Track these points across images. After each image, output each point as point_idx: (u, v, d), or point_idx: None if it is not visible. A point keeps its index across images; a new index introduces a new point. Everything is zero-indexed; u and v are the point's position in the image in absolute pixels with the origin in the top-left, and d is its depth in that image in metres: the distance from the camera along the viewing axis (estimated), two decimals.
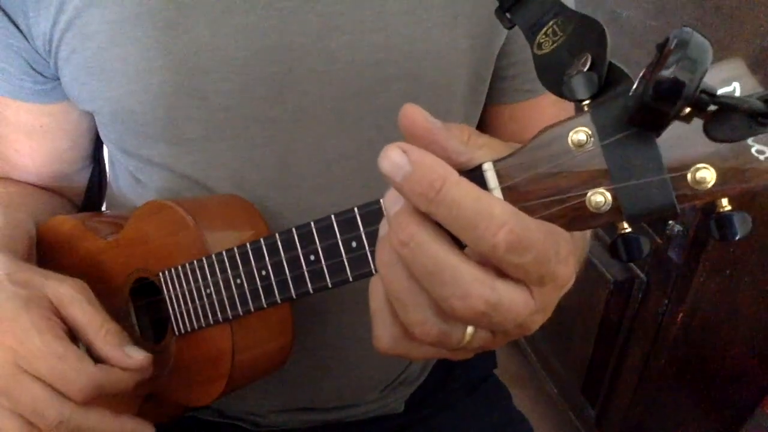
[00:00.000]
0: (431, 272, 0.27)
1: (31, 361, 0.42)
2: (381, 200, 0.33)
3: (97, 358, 0.45)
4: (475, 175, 0.28)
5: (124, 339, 0.46)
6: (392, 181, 0.26)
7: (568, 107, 0.62)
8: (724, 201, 0.26)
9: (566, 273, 0.28)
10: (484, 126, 0.65)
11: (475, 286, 0.26)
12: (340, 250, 0.37)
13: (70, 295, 0.45)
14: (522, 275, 0.27)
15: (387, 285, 0.29)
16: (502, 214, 0.26)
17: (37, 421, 0.41)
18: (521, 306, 0.27)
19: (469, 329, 0.29)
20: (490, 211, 0.26)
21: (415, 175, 0.26)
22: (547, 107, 0.62)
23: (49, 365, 0.42)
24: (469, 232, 0.26)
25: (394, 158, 0.26)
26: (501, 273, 0.27)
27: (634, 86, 0.25)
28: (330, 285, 0.39)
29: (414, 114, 0.28)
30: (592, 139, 0.27)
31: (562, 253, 0.27)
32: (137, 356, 0.46)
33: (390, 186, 0.32)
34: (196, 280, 0.48)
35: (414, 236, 0.27)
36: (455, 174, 0.26)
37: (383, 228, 0.30)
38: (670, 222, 0.94)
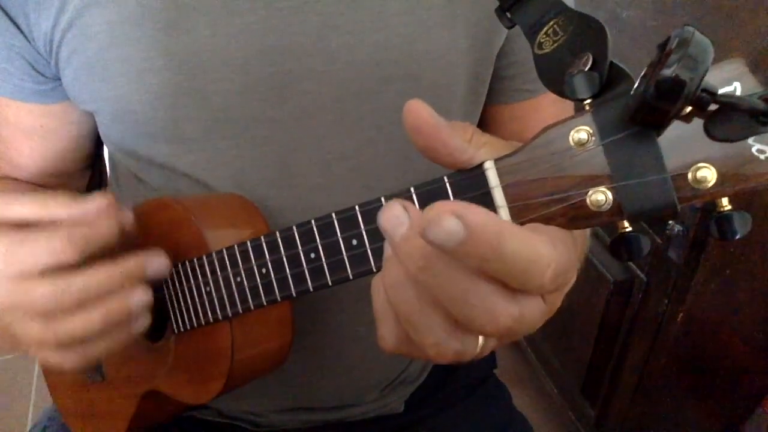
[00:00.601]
0: (455, 297, 0.26)
1: (14, 265, 0.40)
2: (382, 197, 0.33)
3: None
4: (476, 173, 0.29)
5: (67, 198, 0.43)
6: (443, 249, 0.24)
7: (569, 107, 0.62)
8: (724, 200, 0.26)
9: (573, 277, 0.28)
10: (484, 126, 0.65)
11: (502, 305, 0.26)
12: (341, 248, 0.37)
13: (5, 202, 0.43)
14: (545, 292, 0.27)
15: (396, 306, 0.28)
16: (550, 255, 0.25)
17: (55, 307, 0.40)
18: (538, 314, 0.27)
19: (481, 340, 0.28)
20: (539, 253, 0.25)
21: (473, 240, 0.23)
22: (548, 107, 0.62)
23: (29, 256, 0.40)
24: (520, 278, 0.25)
25: (449, 227, 0.23)
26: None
27: (636, 85, 0.25)
28: (330, 283, 0.39)
29: (419, 110, 0.28)
30: (593, 138, 0.27)
31: (573, 259, 0.27)
32: (94, 201, 0.43)
33: (380, 193, 0.31)
34: (195, 278, 0.48)
35: (433, 262, 0.25)
36: (507, 224, 0.24)
37: (387, 249, 0.28)
38: (670, 222, 0.94)
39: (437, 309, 0.27)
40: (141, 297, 0.43)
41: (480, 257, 0.24)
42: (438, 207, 0.24)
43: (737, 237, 0.26)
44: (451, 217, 0.23)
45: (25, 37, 0.52)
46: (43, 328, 0.40)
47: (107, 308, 0.41)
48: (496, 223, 0.24)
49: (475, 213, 0.23)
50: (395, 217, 0.26)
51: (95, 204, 0.42)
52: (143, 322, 0.44)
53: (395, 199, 0.26)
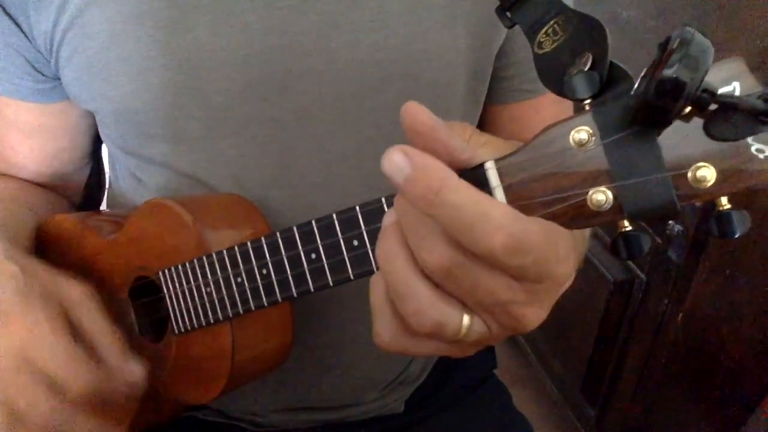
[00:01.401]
0: (411, 225, 0.28)
1: (39, 354, 0.41)
2: (382, 198, 0.34)
3: (96, 363, 0.45)
4: (476, 173, 0.29)
5: (128, 351, 0.46)
6: (394, 183, 0.27)
7: (568, 107, 0.62)
8: (724, 199, 0.26)
9: (565, 272, 0.28)
10: (483, 126, 0.65)
11: (442, 242, 0.27)
12: (342, 249, 0.37)
13: (81, 297, 0.45)
14: (520, 275, 0.27)
15: (385, 275, 0.29)
16: (500, 217, 0.26)
17: (28, 414, 0.41)
18: (499, 283, 0.28)
19: (465, 320, 0.29)
20: (488, 214, 0.26)
21: (415, 178, 0.26)
22: (547, 107, 0.62)
23: (55, 360, 0.41)
24: (466, 235, 0.26)
25: (395, 160, 0.26)
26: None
27: (636, 85, 0.25)
28: (331, 283, 0.39)
29: (416, 112, 0.28)
30: (594, 138, 0.27)
31: (562, 253, 0.27)
32: (138, 370, 0.46)
33: (380, 192, 0.33)
34: (196, 279, 0.48)
35: (407, 213, 0.28)
36: (455, 177, 0.26)
37: (385, 220, 0.30)
38: (670, 222, 0.94)
39: (420, 277, 0.28)
40: None
41: (424, 200, 0.26)
42: (397, 145, 0.27)
43: (736, 235, 0.26)
44: (398, 152, 0.26)
45: (25, 35, 0.52)
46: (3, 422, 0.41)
47: None
48: (444, 171, 0.26)
49: (424, 156, 0.26)
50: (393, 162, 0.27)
51: (139, 375, 0.46)
52: None
53: (398, 146, 0.27)
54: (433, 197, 0.26)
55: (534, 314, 0.30)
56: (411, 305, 0.29)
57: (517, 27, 0.34)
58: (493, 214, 0.26)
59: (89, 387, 0.42)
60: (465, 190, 0.26)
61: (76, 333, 0.45)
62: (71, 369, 0.42)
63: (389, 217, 0.30)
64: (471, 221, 0.26)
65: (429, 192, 0.26)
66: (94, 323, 0.45)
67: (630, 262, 1.08)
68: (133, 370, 0.45)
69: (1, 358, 0.41)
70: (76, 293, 0.45)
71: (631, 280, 1.08)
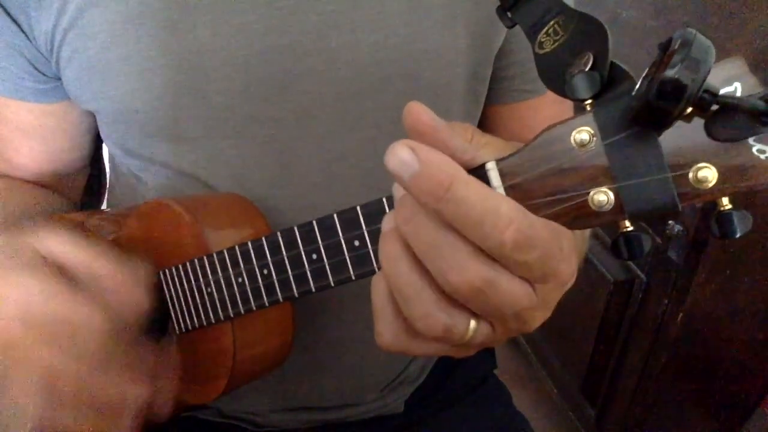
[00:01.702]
0: (431, 246, 0.27)
1: (40, 313, 0.39)
2: (383, 198, 0.34)
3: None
4: (478, 174, 0.29)
5: (120, 258, 0.44)
6: (399, 180, 0.26)
7: (568, 107, 0.62)
8: (725, 200, 0.26)
9: (568, 270, 0.28)
10: (484, 126, 0.65)
11: (472, 260, 0.27)
12: (343, 249, 0.37)
13: (58, 240, 0.42)
14: (526, 273, 0.27)
15: (390, 279, 0.29)
16: (510, 212, 0.26)
17: (58, 367, 0.38)
18: (521, 293, 0.28)
19: (472, 324, 0.29)
20: (498, 209, 0.26)
21: (424, 174, 0.25)
22: (547, 107, 0.62)
23: (58, 310, 0.39)
24: (476, 231, 0.26)
25: (402, 156, 0.26)
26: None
27: (637, 86, 0.25)
28: (332, 284, 0.39)
29: (418, 112, 0.28)
30: (595, 138, 0.27)
31: (565, 251, 0.28)
32: (139, 266, 0.43)
33: (381, 192, 0.32)
34: (196, 279, 0.48)
35: (417, 213, 0.27)
36: (464, 172, 0.26)
37: (386, 223, 0.30)
38: (670, 222, 0.94)
39: (427, 280, 0.28)
40: None
41: (433, 196, 0.25)
42: (402, 140, 0.26)
43: (737, 235, 0.26)
44: (405, 147, 0.26)
45: (26, 35, 0.52)
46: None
47: None
48: (453, 167, 0.26)
49: (431, 152, 0.26)
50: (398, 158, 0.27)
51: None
52: None
53: (403, 141, 0.27)
54: (443, 193, 0.25)
55: (540, 316, 0.30)
56: (419, 309, 0.28)
57: (517, 27, 0.34)
58: (503, 209, 0.26)
59: (104, 321, 0.40)
60: (474, 185, 0.26)
61: (69, 276, 0.42)
62: (80, 311, 0.39)
63: (389, 222, 0.30)
64: (481, 216, 0.25)
65: (439, 188, 0.25)
66: (80, 256, 0.42)
67: (630, 262, 1.08)
68: (134, 281, 0.43)
69: (9, 329, 0.39)
70: (51, 237, 0.43)
71: (631, 280, 1.08)
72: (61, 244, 0.42)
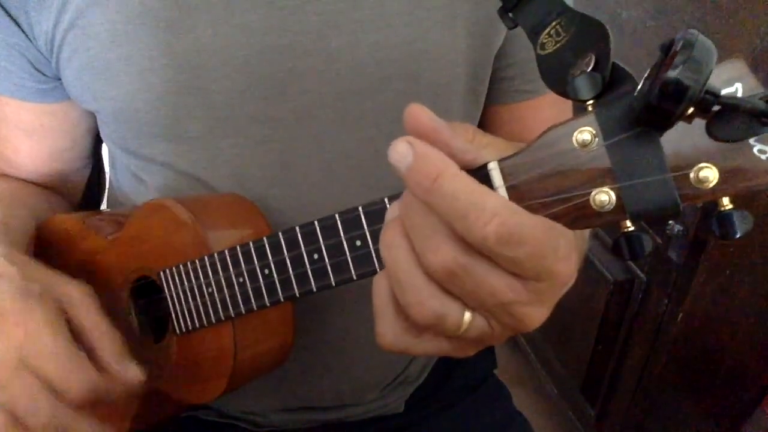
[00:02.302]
0: (415, 225, 0.28)
1: (37, 357, 0.41)
2: (385, 198, 0.34)
3: (96, 365, 0.44)
4: (480, 174, 0.29)
5: (126, 353, 0.46)
6: (398, 172, 0.28)
7: (569, 108, 0.62)
8: (725, 200, 0.26)
9: (566, 270, 0.28)
10: (484, 127, 0.65)
11: (447, 243, 0.27)
12: (344, 249, 0.37)
13: (79, 298, 0.45)
14: (517, 269, 0.27)
15: (388, 266, 0.30)
16: (494, 207, 0.26)
17: (28, 416, 0.41)
18: (501, 284, 0.28)
19: (467, 316, 0.29)
20: (482, 203, 0.26)
21: (416, 166, 0.27)
22: (547, 107, 0.62)
23: (55, 364, 0.41)
24: (460, 223, 0.27)
25: (400, 150, 0.27)
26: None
27: (639, 86, 0.25)
28: (334, 284, 0.39)
29: (419, 114, 0.28)
30: (597, 138, 0.27)
31: (562, 251, 0.27)
32: (136, 373, 0.45)
33: (381, 192, 0.33)
34: (197, 279, 0.48)
35: (414, 200, 0.28)
36: (453, 166, 0.27)
37: (389, 213, 0.31)
38: (671, 222, 0.94)
39: (422, 268, 0.29)
40: None
41: (422, 187, 0.27)
42: (404, 137, 0.28)
43: (738, 236, 0.26)
44: (403, 142, 0.27)
45: (26, 35, 0.52)
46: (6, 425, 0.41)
47: None
48: (443, 161, 0.27)
49: (426, 147, 0.27)
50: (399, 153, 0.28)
51: (137, 377, 0.45)
52: None
53: (404, 137, 0.28)
54: (430, 184, 0.27)
55: (536, 314, 0.30)
56: (413, 296, 0.29)
57: (517, 27, 0.35)
58: (488, 203, 0.26)
59: (89, 388, 0.42)
60: (461, 179, 0.27)
61: (74, 334, 0.44)
62: (70, 370, 0.41)
63: (392, 212, 0.31)
64: (466, 209, 0.26)
65: (427, 179, 0.27)
66: (92, 324, 0.45)
67: (630, 262, 1.08)
68: (131, 373, 0.45)
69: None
70: (74, 294, 0.45)
71: (631, 280, 1.08)
72: (81, 305, 0.45)
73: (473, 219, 0.26)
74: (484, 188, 0.27)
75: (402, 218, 0.29)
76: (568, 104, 0.62)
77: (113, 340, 0.45)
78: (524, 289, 0.28)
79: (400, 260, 0.29)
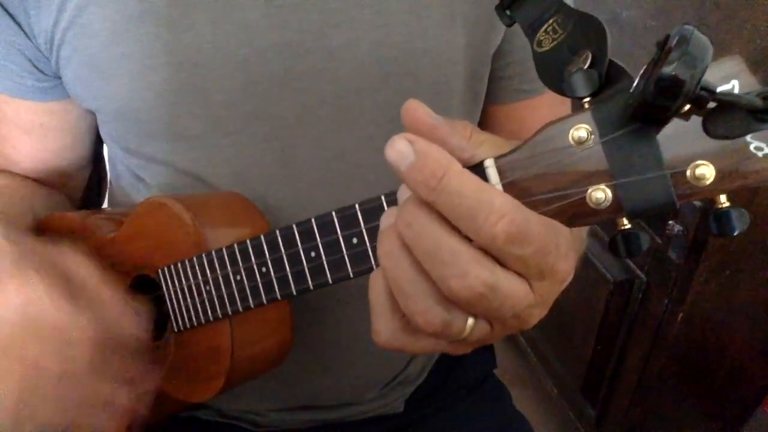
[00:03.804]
0: (432, 251, 0.27)
1: (40, 311, 0.40)
2: (382, 196, 0.34)
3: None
4: (477, 171, 0.29)
5: (128, 297, 0.45)
6: (397, 171, 0.27)
7: (566, 107, 0.62)
8: (723, 197, 0.26)
9: (566, 268, 0.28)
10: (483, 126, 0.65)
11: (473, 266, 0.27)
12: (341, 247, 0.37)
13: (74, 258, 0.44)
14: (522, 268, 0.27)
15: (389, 275, 0.29)
16: (503, 205, 0.26)
17: (41, 368, 0.40)
18: (521, 294, 0.28)
19: (470, 321, 0.29)
20: (491, 201, 0.26)
21: (418, 165, 0.26)
22: (545, 107, 0.62)
23: (59, 315, 0.40)
24: (469, 222, 0.26)
25: (399, 147, 0.27)
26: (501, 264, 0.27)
27: (635, 83, 0.25)
28: (331, 281, 0.39)
29: (416, 110, 0.28)
30: (593, 136, 0.27)
31: (562, 248, 0.28)
32: (141, 312, 0.44)
33: (380, 190, 0.33)
34: (195, 277, 0.48)
35: (418, 218, 0.27)
36: (458, 164, 0.27)
37: (384, 221, 0.30)
38: (670, 222, 0.94)
39: (426, 276, 0.28)
40: None
41: (426, 186, 0.26)
42: (401, 134, 0.27)
43: (735, 233, 0.26)
44: (402, 139, 0.27)
45: (26, 34, 0.52)
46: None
47: None
48: (447, 159, 0.26)
49: (427, 144, 0.27)
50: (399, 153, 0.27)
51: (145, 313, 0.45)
52: None
53: (402, 134, 0.27)
54: (436, 183, 0.26)
55: (537, 313, 0.30)
56: (418, 305, 0.28)
57: (515, 27, 0.35)
58: (496, 202, 0.26)
59: (96, 336, 0.41)
60: (468, 177, 0.26)
61: (75, 290, 0.43)
62: (75, 321, 0.40)
63: (388, 219, 0.30)
64: (474, 208, 0.26)
65: (432, 178, 0.26)
66: (90, 276, 0.44)
67: (630, 262, 1.08)
68: (135, 313, 0.44)
69: (3, 323, 0.40)
70: (70, 256, 0.44)
71: (631, 280, 1.08)
72: (75, 260, 0.44)
73: (483, 218, 0.26)
74: (490, 186, 0.27)
75: (408, 240, 0.28)
76: (567, 104, 0.62)
77: (110, 286, 0.44)
78: (533, 293, 0.28)
79: (403, 269, 0.28)
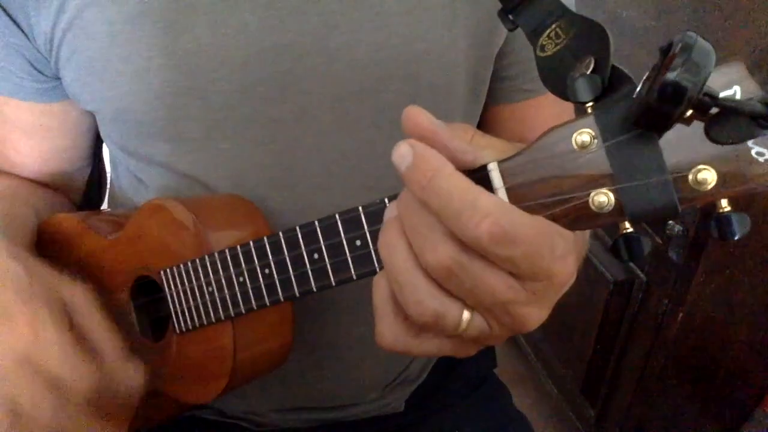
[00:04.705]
0: (413, 225, 0.29)
1: (43, 354, 0.41)
2: (386, 199, 0.34)
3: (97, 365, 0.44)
4: (480, 175, 0.29)
5: (128, 352, 0.46)
6: (398, 171, 0.28)
7: (569, 107, 0.62)
8: (724, 202, 0.26)
9: (564, 271, 0.28)
10: (484, 126, 0.65)
11: (444, 241, 0.28)
12: (344, 249, 0.37)
13: (81, 298, 0.45)
14: (512, 268, 0.28)
15: (387, 266, 0.30)
16: (487, 206, 0.26)
17: (32, 412, 0.40)
18: (499, 283, 0.28)
19: (465, 315, 0.30)
20: (475, 202, 0.27)
21: (414, 165, 0.28)
22: (548, 107, 0.62)
23: (60, 361, 0.41)
24: (454, 222, 0.27)
25: (401, 151, 0.28)
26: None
27: (638, 89, 0.25)
28: (334, 283, 0.39)
29: (417, 116, 0.28)
30: (596, 140, 0.27)
31: (558, 251, 0.28)
32: (137, 372, 0.46)
33: (381, 193, 0.34)
34: (198, 278, 0.48)
35: (412, 199, 0.29)
36: (449, 167, 0.28)
37: (388, 213, 0.31)
38: (670, 222, 0.94)
39: (421, 268, 0.29)
40: None
41: (418, 185, 0.28)
42: (407, 139, 0.29)
43: (736, 237, 0.26)
44: (405, 143, 0.28)
45: (25, 35, 0.52)
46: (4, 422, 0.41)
47: None
48: (440, 161, 0.28)
49: (424, 146, 0.28)
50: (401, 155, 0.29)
51: (139, 379, 0.46)
52: None
53: (407, 140, 0.29)
54: (426, 183, 0.27)
55: (535, 314, 0.30)
56: (411, 295, 0.29)
57: (518, 28, 0.35)
58: (481, 203, 0.27)
59: (91, 387, 0.42)
60: (456, 178, 0.27)
61: (77, 334, 0.44)
62: (74, 369, 0.41)
63: (390, 212, 0.31)
64: (459, 208, 0.27)
65: (423, 178, 0.27)
66: (95, 324, 0.45)
67: (630, 262, 1.08)
68: (132, 372, 0.46)
69: (4, 356, 0.41)
70: (78, 294, 0.45)
71: (631, 280, 1.08)
72: (85, 305, 0.45)
73: (466, 218, 0.27)
74: (478, 188, 0.27)
75: (400, 217, 0.30)
76: (570, 104, 0.62)
77: (115, 339, 0.46)
78: (522, 288, 0.28)
79: (399, 259, 0.29)
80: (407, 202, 0.29)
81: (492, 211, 0.26)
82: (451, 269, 0.28)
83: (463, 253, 0.28)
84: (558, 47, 0.31)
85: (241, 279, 0.45)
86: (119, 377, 0.45)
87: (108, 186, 0.75)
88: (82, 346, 0.44)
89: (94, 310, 0.45)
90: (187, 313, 0.50)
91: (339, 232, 0.37)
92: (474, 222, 0.26)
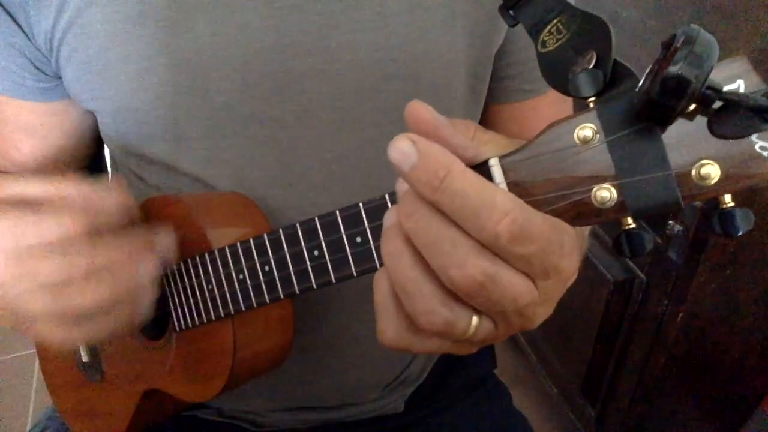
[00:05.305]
0: (432, 242, 0.27)
1: (21, 239, 0.39)
2: (386, 195, 0.34)
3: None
4: (481, 170, 0.29)
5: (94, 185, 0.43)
6: (400, 171, 0.27)
7: (569, 107, 0.62)
8: (727, 197, 0.26)
9: (570, 266, 0.28)
10: (484, 126, 0.65)
11: (472, 256, 0.27)
12: (345, 245, 0.37)
13: (17, 182, 0.42)
14: (526, 267, 0.27)
15: (393, 275, 0.29)
16: (505, 203, 0.26)
17: (63, 280, 0.38)
18: (522, 289, 0.28)
19: (474, 320, 0.29)
20: (493, 200, 0.26)
21: (421, 165, 0.26)
22: (548, 106, 0.62)
23: (36, 230, 0.39)
24: (471, 221, 0.26)
25: (402, 148, 0.27)
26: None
27: (641, 82, 0.25)
28: (334, 280, 0.39)
29: (419, 110, 0.28)
30: (598, 135, 0.27)
31: (566, 247, 0.28)
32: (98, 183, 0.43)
33: (381, 191, 0.33)
34: (197, 275, 0.48)
35: (419, 208, 0.28)
36: (460, 164, 0.27)
37: (387, 220, 0.30)
38: (670, 222, 0.94)
39: (429, 276, 0.28)
40: (149, 269, 0.42)
41: (429, 186, 0.26)
42: (404, 134, 0.27)
43: (740, 233, 0.26)
44: (405, 139, 0.27)
45: (26, 34, 0.52)
46: (50, 301, 0.39)
47: (115, 280, 0.40)
48: (449, 158, 0.27)
49: (430, 144, 0.27)
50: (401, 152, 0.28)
51: (103, 184, 0.42)
52: (150, 298, 0.43)
53: (405, 134, 0.28)
54: (439, 183, 0.26)
55: (543, 312, 0.30)
56: (421, 305, 0.29)
57: (517, 26, 0.35)
58: (499, 201, 0.26)
59: (80, 217, 0.39)
60: (471, 177, 0.27)
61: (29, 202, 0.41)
62: (56, 219, 0.39)
63: (390, 218, 0.30)
64: (477, 207, 0.26)
65: (435, 178, 0.26)
66: (35, 187, 0.42)
67: (630, 262, 1.08)
68: (101, 181, 0.42)
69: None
70: (11, 184, 0.42)
71: (631, 280, 1.08)
72: (18, 184, 0.42)
73: (485, 217, 0.26)
74: (493, 185, 0.27)
75: (407, 230, 0.28)
76: (569, 103, 0.62)
77: (66, 183, 0.42)
78: (536, 289, 0.28)
79: (406, 269, 0.29)
80: (413, 209, 0.28)
81: (510, 208, 0.26)
82: (483, 284, 0.27)
83: (493, 264, 0.27)
84: (559, 42, 0.31)
85: (241, 276, 0.45)
86: (99, 203, 0.42)
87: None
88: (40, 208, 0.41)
89: (32, 179, 0.42)
90: (187, 311, 0.50)
91: (339, 228, 0.37)
92: (494, 220, 0.26)
